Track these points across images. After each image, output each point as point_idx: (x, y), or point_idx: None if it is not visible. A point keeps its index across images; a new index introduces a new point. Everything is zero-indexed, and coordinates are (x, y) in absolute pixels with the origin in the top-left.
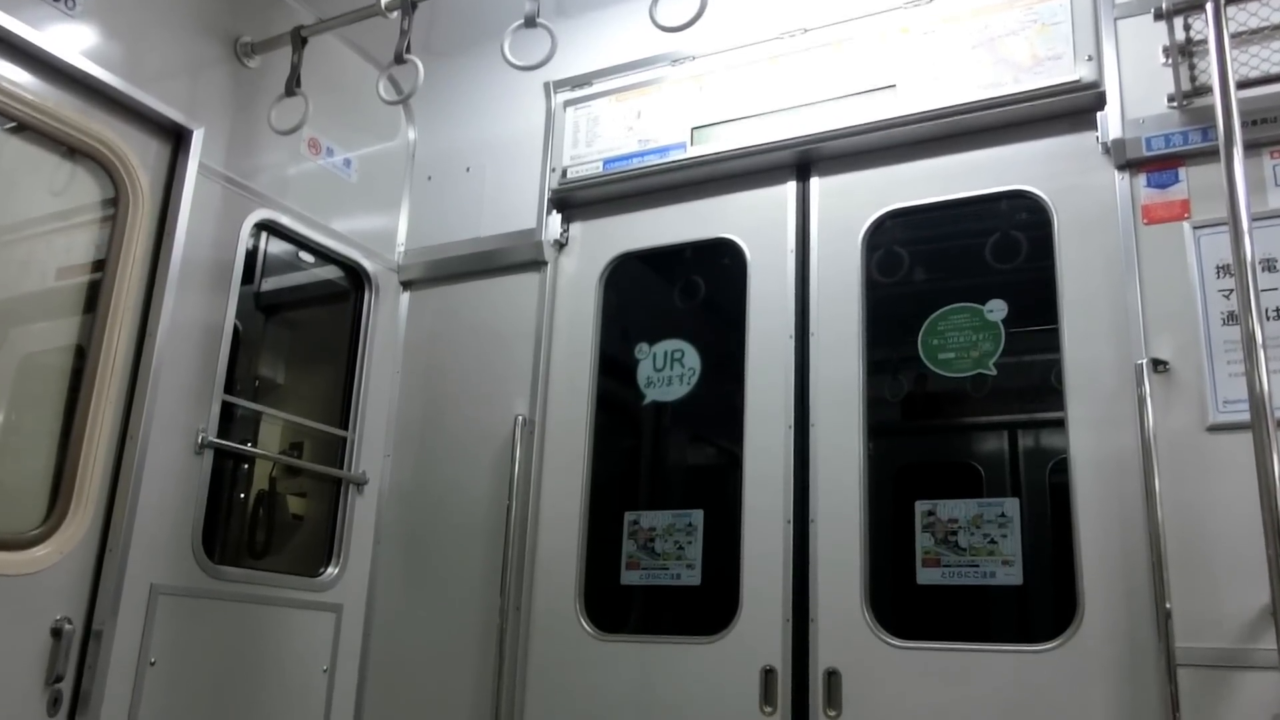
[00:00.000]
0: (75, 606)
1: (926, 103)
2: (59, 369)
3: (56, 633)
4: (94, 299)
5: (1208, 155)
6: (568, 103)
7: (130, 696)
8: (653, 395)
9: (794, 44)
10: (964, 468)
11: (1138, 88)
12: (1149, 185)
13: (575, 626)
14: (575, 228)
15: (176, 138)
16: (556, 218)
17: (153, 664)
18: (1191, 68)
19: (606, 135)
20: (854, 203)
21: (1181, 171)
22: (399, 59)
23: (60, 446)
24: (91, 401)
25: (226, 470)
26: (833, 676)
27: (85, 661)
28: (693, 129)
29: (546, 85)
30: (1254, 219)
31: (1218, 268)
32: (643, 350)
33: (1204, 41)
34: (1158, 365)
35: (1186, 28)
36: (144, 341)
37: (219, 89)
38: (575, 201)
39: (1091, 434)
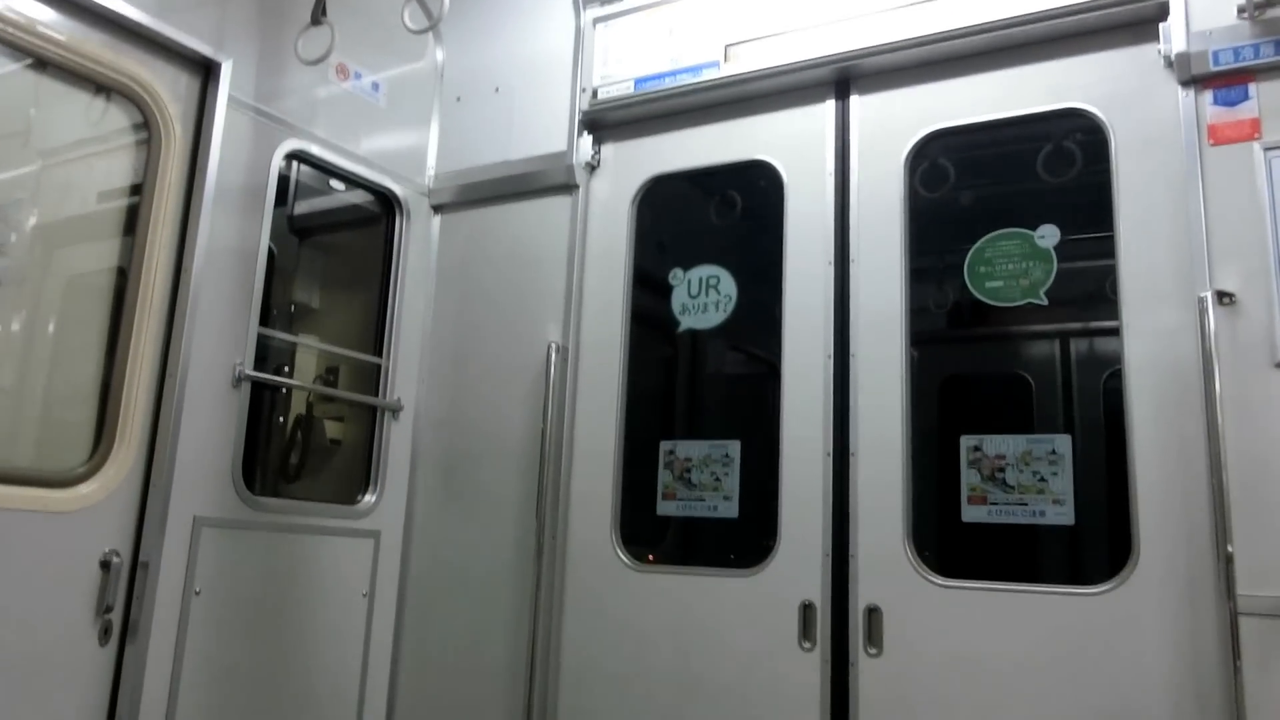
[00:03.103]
0: (122, 540)
1: (973, 15)
2: (102, 297)
3: (105, 565)
4: (132, 226)
5: None
6: (597, 20)
7: (177, 625)
8: (688, 323)
9: None
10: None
11: None
12: (1216, 102)
13: (612, 556)
14: (607, 149)
15: (205, 70)
16: (587, 139)
17: (198, 593)
18: None
19: (637, 54)
20: (896, 123)
21: (1252, 87)
22: None
23: (103, 384)
24: (132, 338)
25: (264, 399)
26: (873, 613)
27: (133, 592)
28: (726, 46)
29: (575, 1)
30: None
31: None
32: (677, 276)
33: None
34: (1223, 297)
35: None
36: (180, 274)
37: (245, 19)
38: (606, 122)
39: (1151, 369)
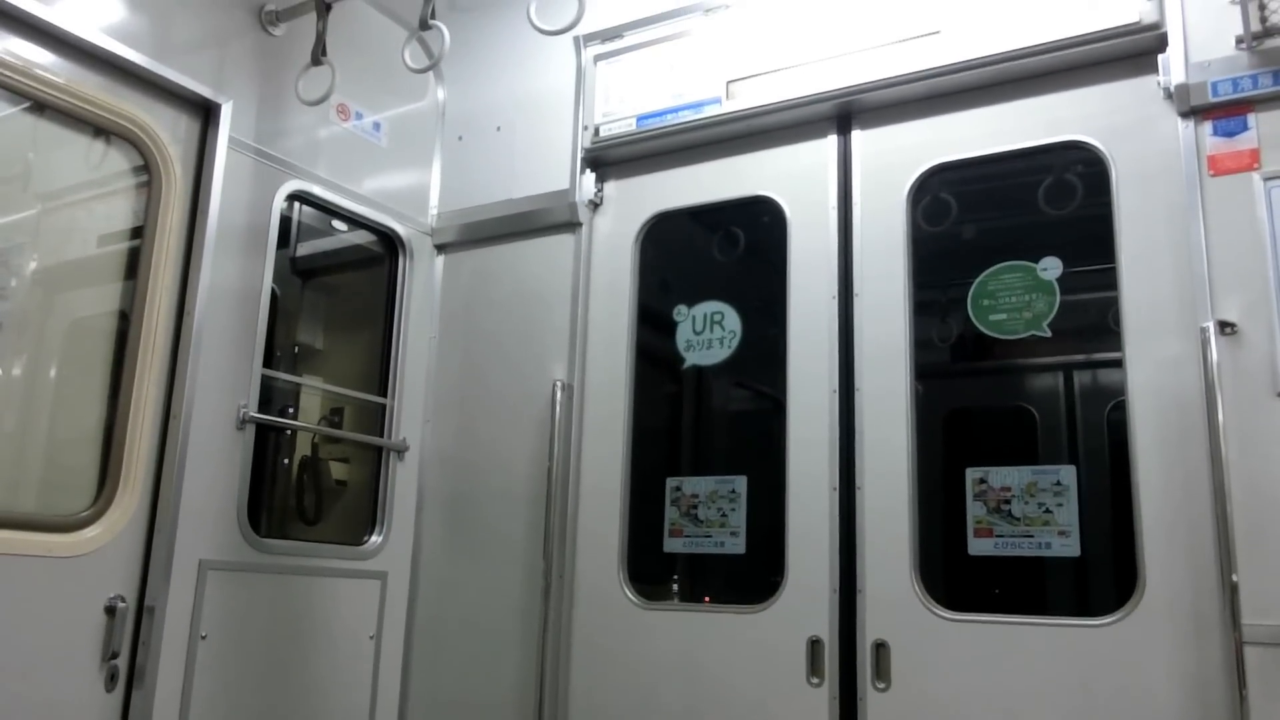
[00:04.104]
0: (128, 584)
1: (973, 49)
2: (105, 340)
3: (110, 610)
4: (134, 269)
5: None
6: (598, 57)
7: (183, 670)
8: (693, 359)
9: None
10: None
11: (1203, 28)
12: (1215, 133)
13: (619, 594)
14: (610, 187)
15: (205, 112)
16: (590, 177)
17: (204, 638)
18: (1261, 6)
19: (639, 91)
20: (898, 157)
21: (1250, 118)
22: (424, 25)
23: (106, 428)
24: (135, 381)
25: (269, 441)
26: (881, 649)
27: (139, 637)
28: (728, 82)
29: (576, 39)
30: None
31: None
32: (681, 312)
33: None
34: (1225, 327)
35: None
36: (183, 316)
37: (245, 59)
38: (609, 160)
39: (1154, 400)
